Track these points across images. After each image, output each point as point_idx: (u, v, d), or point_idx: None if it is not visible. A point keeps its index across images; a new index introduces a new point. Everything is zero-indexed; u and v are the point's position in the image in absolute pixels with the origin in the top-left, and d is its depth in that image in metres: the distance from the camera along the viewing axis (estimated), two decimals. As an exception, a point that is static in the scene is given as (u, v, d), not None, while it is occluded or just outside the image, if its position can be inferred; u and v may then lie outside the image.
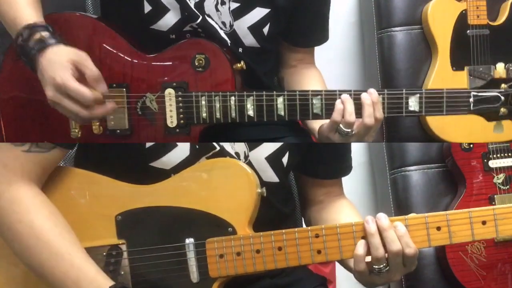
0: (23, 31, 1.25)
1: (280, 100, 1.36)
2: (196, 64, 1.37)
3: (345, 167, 1.54)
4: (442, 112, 1.36)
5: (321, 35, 1.63)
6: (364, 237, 1.20)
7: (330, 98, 1.34)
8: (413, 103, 1.35)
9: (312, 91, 1.36)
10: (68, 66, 1.21)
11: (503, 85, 1.33)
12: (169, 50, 1.39)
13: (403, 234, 1.18)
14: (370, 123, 1.31)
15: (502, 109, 1.33)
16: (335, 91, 1.35)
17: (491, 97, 1.33)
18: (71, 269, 1.19)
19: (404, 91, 1.35)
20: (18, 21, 1.28)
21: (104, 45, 1.39)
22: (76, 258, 1.21)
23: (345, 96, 1.31)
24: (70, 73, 1.21)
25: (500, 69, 1.35)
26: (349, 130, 1.31)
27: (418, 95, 1.34)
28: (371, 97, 1.31)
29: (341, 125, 1.32)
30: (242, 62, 1.39)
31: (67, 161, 1.57)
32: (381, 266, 1.18)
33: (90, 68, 1.23)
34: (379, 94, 1.33)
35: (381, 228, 1.18)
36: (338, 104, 1.32)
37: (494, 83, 1.34)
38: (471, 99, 1.34)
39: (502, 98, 1.32)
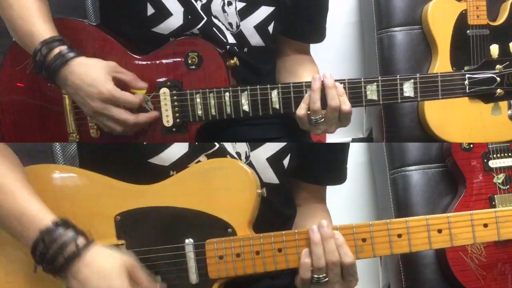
0: (42, 47, 1.30)
1: (274, 93, 1.36)
2: (189, 62, 1.38)
3: (336, 176, 1.52)
4: (438, 96, 1.35)
5: (322, 31, 1.64)
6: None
7: (323, 88, 1.34)
8: (408, 89, 1.35)
9: (306, 82, 1.36)
10: (109, 78, 1.31)
11: (498, 66, 1.32)
12: (162, 50, 1.40)
13: (341, 244, 1.19)
14: (335, 105, 1.33)
15: (498, 90, 1.33)
16: None
17: (487, 78, 1.33)
18: (14, 206, 1.18)
19: (398, 77, 1.35)
20: (35, 36, 1.32)
21: (98, 49, 1.40)
22: (19, 195, 1.19)
23: (315, 84, 1.34)
24: (113, 84, 1.31)
25: (494, 50, 1.34)
26: (318, 117, 1.34)
27: (412, 80, 1.34)
28: (327, 80, 1.33)
29: (310, 115, 1.35)
30: (235, 59, 1.40)
31: (68, 160, 1.58)
32: (321, 276, 1.19)
33: (126, 73, 1.35)
34: (373, 82, 1.34)
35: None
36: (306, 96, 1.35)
37: (488, 64, 1.33)
38: (466, 82, 1.33)
39: (498, 79, 1.32)
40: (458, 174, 1.99)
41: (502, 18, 2.16)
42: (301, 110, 1.35)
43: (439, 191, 2.07)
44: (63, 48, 1.31)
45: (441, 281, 2.00)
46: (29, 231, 1.16)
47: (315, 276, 1.20)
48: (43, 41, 1.31)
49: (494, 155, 1.97)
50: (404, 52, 2.22)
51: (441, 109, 2.14)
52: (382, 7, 2.25)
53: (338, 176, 1.52)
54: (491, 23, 2.14)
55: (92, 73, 1.31)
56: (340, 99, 1.33)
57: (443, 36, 2.15)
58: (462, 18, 2.14)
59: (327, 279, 1.20)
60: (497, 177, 1.96)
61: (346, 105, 1.33)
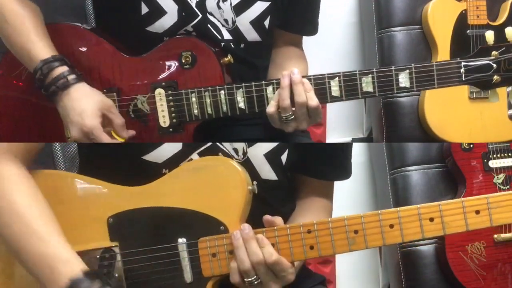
0: (42, 66, 1.31)
1: (269, 89, 1.37)
2: (183, 61, 1.38)
3: (338, 171, 1.50)
4: (434, 85, 1.34)
5: (315, 23, 1.65)
6: None
7: (319, 83, 1.35)
8: (404, 79, 1.34)
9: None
10: (98, 114, 1.31)
11: (494, 53, 1.31)
12: (156, 50, 1.40)
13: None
14: (302, 101, 1.33)
15: (495, 77, 1.31)
16: (324, 75, 1.36)
17: (483, 65, 1.31)
18: (46, 251, 1.18)
19: (393, 68, 1.34)
20: (33, 54, 1.33)
21: (93, 52, 1.40)
22: (52, 240, 1.20)
23: (283, 82, 1.34)
24: (99, 122, 1.31)
25: (489, 37, 1.33)
26: (287, 114, 1.35)
27: (407, 70, 1.34)
28: (294, 77, 1.34)
29: (280, 112, 1.36)
30: (229, 56, 1.40)
31: (68, 160, 1.58)
32: (251, 278, 1.19)
33: (117, 116, 1.36)
34: (368, 74, 1.34)
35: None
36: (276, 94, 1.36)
37: (484, 51, 1.32)
38: (462, 70, 1.32)
39: (494, 65, 1.30)
40: (458, 174, 1.99)
41: (502, 18, 2.15)
42: (271, 108, 1.36)
43: (439, 191, 2.07)
44: (65, 70, 1.32)
45: (441, 281, 1.99)
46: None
47: (246, 279, 1.19)
48: (44, 60, 1.32)
49: (494, 155, 1.96)
50: (404, 52, 2.22)
51: (441, 109, 2.13)
52: (382, 7, 2.25)
53: (340, 170, 1.50)
54: (491, 23, 2.14)
55: (84, 103, 1.32)
56: (307, 95, 1.33)
57: (443, 36, 2.15)
58: (462, 18, 2.14)
59: (259, 280, 1.19)
60: (497, 177, 1.95)
61: (312, 101, 1.34)
